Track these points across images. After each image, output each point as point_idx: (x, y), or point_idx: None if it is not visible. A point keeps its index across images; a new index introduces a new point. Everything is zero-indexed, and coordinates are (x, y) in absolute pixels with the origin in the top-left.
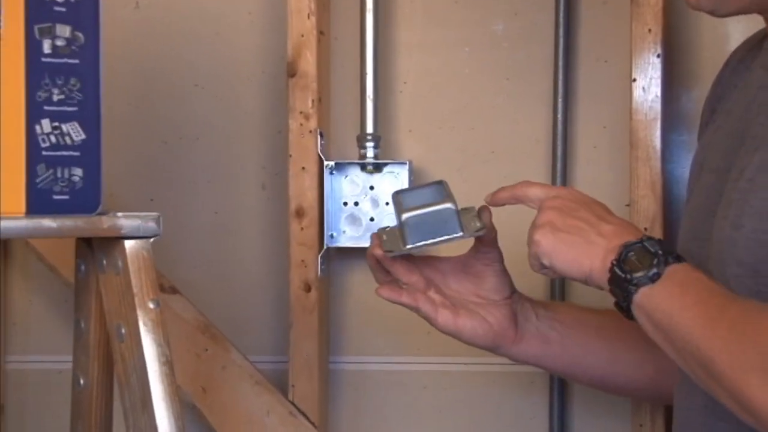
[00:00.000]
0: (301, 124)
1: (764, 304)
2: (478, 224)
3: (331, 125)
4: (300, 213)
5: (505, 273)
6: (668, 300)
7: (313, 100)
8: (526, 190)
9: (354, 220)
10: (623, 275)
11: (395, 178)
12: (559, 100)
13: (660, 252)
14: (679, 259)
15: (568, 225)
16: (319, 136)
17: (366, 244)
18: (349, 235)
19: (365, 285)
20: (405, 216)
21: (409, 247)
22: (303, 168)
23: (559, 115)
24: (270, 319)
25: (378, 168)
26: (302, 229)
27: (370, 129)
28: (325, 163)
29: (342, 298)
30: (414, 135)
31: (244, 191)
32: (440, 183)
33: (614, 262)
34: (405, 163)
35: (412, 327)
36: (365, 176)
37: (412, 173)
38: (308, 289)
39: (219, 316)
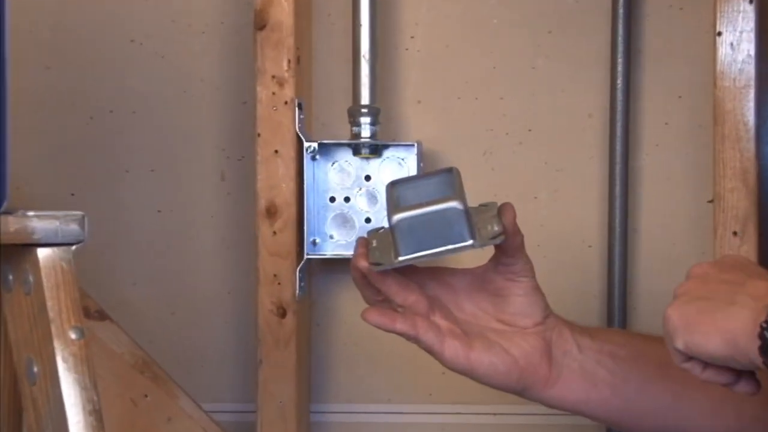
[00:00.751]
0: (274, 93)
1: None
2: (496, 228)
3: (314, 94)
4: (272, 212)
5: (536, 291)
6: None
7: (289, 61)
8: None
9: (344, 221)
10: None
11: (399, 166)
12: (619, 60)
13: None
14: None
15: (708, 290)
16: (297, 109)
17: None
18: (337, 242)
19: (359, 307)
20: (396, 217)
21: (401, 259)
22: (276, 151)
23: (619, 81)
24: (232, 355)
25: (376, 151)
26: (275, 233)
27: (365, 99)
28: (306, 144)
29: (328, 326)
30: (424, 107)
31: (197, 183)
32: (449, 171)
33: (764, 325)
34: (412, 146)
35: (421, 364)
36: (359, 163)
37: (422, 159)
38: (283, 313)
39: (164, 349)
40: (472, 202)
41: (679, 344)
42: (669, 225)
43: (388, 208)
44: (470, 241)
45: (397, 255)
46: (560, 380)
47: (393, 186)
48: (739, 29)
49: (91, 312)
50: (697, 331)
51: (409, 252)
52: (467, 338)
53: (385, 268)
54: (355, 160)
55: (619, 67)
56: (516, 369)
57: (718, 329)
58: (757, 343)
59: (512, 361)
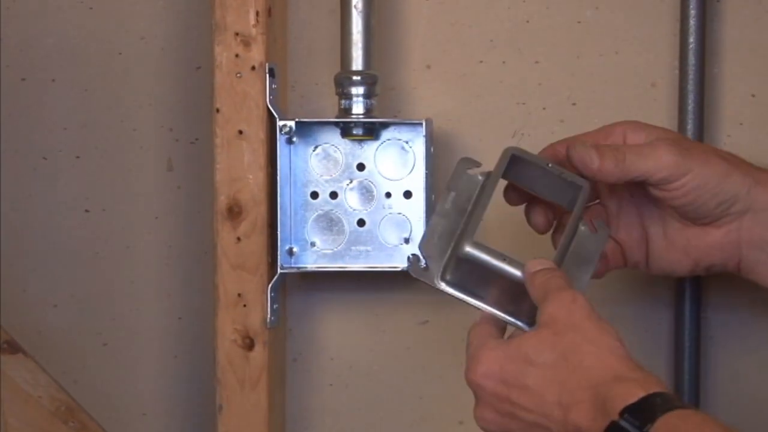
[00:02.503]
0: (237, 56)
1: None
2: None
3: (290, 57)
4: (235, 212)
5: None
6: None
7: (257, 13)
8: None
9: (329, 223)
10: None
11: (402, 151)
12: (692, 12)
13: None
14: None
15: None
16: (268, 77)
17: (352, 264)
18: (320, 251)
19: (347, 337)
20: (467, 251)
21: (443, 288)
22: (240, 132)
23: (691, 40)
24: (183, 399)
25: (372, 132)
26: (239, 240)
27: (358, 64)
28: (279, 123)
29: (308, 362)
30: (436, 74)
31: (136, 174)
32: (579, 189)
33: None
34: (420, 124)
35: (429, 413)
36: (350, 147)
37: (433, 141)
38: (250, 345)
39: (94, 392)
40: None
41: None
42: None
43: (460, 195)
44: (520, 323)
45: (444, 275)
46: None
47: (469, 167)
48: None
49: None
50: None
51: (456, 287)
52: None
53: (425, 280)
54: (345, 144)
55: (692, 21)
56: None
57: None
58: None
59: None
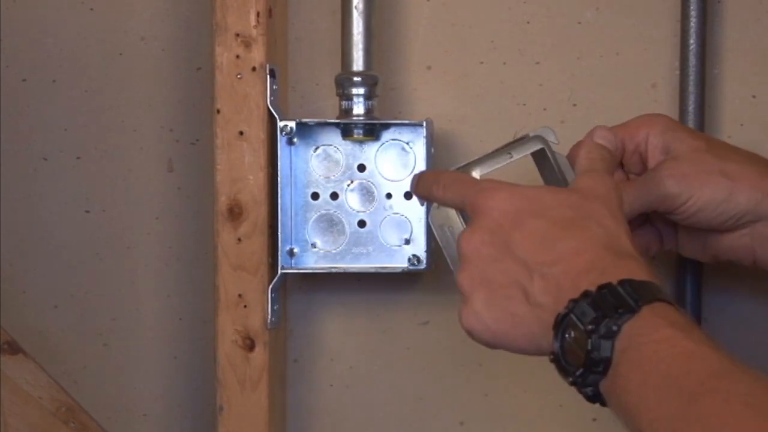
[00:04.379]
0: (238, 57)
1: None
2: None
3: (291, 58)
4: (235, 213)
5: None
6: (629, 398)
7: (258, 14)
8: (439, 192)
9: (330, 224)
10: (568, 378)
11: (403, 152)
12: (692, 13)
13: (591, 326)
14: (638, 308)
15: (494, 285)
16: (268, 78)
17: (352, 265)
18: (321, 252)
19: (348, 337)
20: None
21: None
22: (240, 133)
23: (692, 41)
24: (183, 400)
25: (373, 133)
26: (239, 240)
27: (358, 65)
28: (280, 124)
29: (309, 363)
30: (436, 75)
31: (136, 174)
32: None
33: (552, 358)
34: (420, 125)
35: (430, 414)
36: (350, 148)
37: (433, 142)
38: (250, 345)
39: (94, 393)
40: None
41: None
42: None
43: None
44: None
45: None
46: None
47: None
48: None
49: None
50: (512, 346)
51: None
52: None
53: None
54: (345, 145)
55: (693, 22)
56: None
57: (528, 343)
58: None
59: None
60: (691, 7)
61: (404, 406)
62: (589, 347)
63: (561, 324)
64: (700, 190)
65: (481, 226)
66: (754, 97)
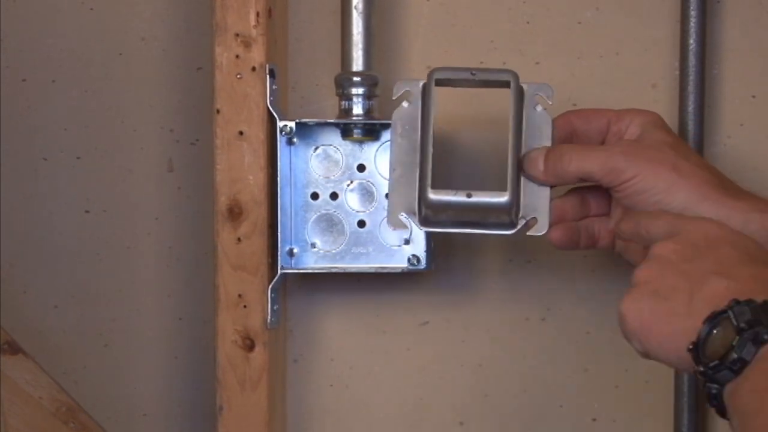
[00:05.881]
0: (238, 57)
1: None
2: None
3: (290, 58)
4: (235, 213)
5: None
6: (750, 400)
7: (257, 14)
8: (648, 224)
9: (330, 224)
10: (699, 367)
11: None
12: (692, 13)
13: (744, 325)
14: None
15: (666, 286)
16: (268, 78)
17: (352, 265)
18: (320, 252)
19: (348, 337)
20: (432, 198)
21: (425, 229)
22: (240, 133)
23: (692, 41)
24: (183, 400)
25: (372, 133)
26: (239, 240)
27: (358, 65)
28: (280, 124)
29: (309, 363)
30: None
31: (137, 174)
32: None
33: (691, 347)
34: None
35: (431, 415)
36: (350, 148)
37: (434, 144)
38: (250, 346)
39: (94, 393)
40: None
41: (637, 347)
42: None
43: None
44: (509, 232)
45: (422, 219)
46: None
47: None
48: None
49: None
50: (652, 339)
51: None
52: None
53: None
54: (345, 145)
55: (692, 22)
56: None
57: (669, 341)
58: (693, 368)
59: None
60: (691, 7)
61: (404, 406)
62: (734, 343)
63: (714, 318)
64: (645, 171)
65: (682, 240)
66: (754, 97)
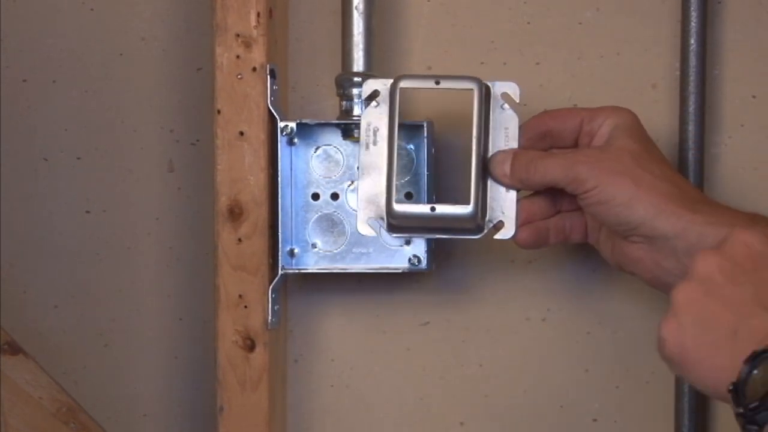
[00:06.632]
0: (238, 57)
1: None
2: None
3: (291, 59)
4: (236, 213)
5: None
6: None
7: (258, 14)
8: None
9: (331, 224)
10: (738, 408)
11: (404, 152)
12: (693, 13)
13: None
14: None
15: (710, 314)
16: (269, 78)
17: (353, 265)
18: (321, 252)
19: (349, 337)
20: (397, 210)
21: (394, 235)
22: (241, 133)
23: (692, 41)
24: (183, 400)
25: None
26: (240, 241)
27: (359, 65)
28: (281, 124)
29: (309, 363)
30: (437, 74)
31: (137, 175)
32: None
33: (731, 387)
34: (421, 125)
35: (432, 414)
36: (351, 148)
37: (434, 143)
38: (251, 346)
39: (95, 393)
40: None
41: (675, 371)
42: None
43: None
44: (476, 236)
45: (390, 226)
46: None
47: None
48: None
49: None
50: (692, 371)
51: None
52: None
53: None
54: (346, 145)
55: (693, 22)
56: None
57: (710, 376)
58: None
59: None
60: (692, 8)
61: (404, 406)
62: None
63: (755, 359)
64: (605, 183)
65: (727, 255)
66: (754, 97)
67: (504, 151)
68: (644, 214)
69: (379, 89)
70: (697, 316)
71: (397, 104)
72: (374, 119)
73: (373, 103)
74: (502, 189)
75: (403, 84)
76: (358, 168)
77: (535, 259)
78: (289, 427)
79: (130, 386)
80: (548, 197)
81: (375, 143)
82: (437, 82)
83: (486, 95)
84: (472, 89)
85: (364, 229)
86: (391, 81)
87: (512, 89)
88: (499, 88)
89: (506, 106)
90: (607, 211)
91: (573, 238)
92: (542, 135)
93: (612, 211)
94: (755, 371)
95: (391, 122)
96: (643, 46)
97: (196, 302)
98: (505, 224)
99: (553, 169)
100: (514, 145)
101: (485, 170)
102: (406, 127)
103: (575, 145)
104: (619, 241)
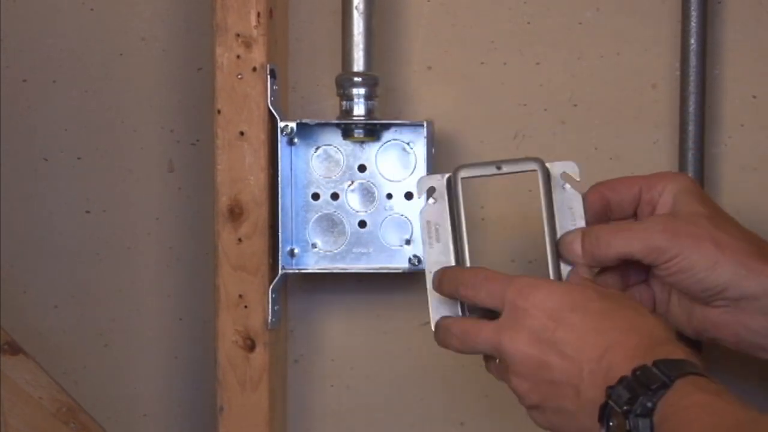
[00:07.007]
0: (238, 57)
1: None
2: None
3: (291, 59)
4: (236, 213)
5: None
6: None
7: (258, 14)
8: (474, 342)
9: (331, 224)
10: None
11: (404, 152)
12: (693, 13)
13: (627, 407)
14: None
15: (544, 398)
16: (269, 78)
17: (353, 265)
18: (322, 252)
19: (350, 337)
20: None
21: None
22: (241, 133)
23: (693, 41)
24: (183, 400)
25: (373, 133)
26: (240, 241)
27: (359, 65)
28: (281, 124)
29: (310, 363)
30: (437, 75)
31: (137, 175)
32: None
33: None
34: (421, 125)
35: (433, 415)
36: (351, 148)
37: (434, 143)
38: (251, 346)
39: (95, 393)
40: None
41: None
42: (756, 229)
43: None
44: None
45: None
46: None
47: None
48: None
49: None
50: None
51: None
52: None
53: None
54: (346, 145)
55: (693, 22)
56: None
57: None
58: None
59: None
60: (692, 7)
61: (404, 406)
62: (628, 427)
63: (604, 414)
64: (687, 250)
65: (525, 327)
66: (754, 97)
67: (571, 232)
68: (731, 277)
69: (434, 185)
70: (539, 399)
71: (460, 195)
72: (434, 216)
73: (430, 200)
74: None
75: (464, 174)
76: (425, 264)
77: (536, 259)
78: (289, 427)
79: (130, 386)
80: (617, 273)
81: (438, 240)
82: (498, 168)
83: (547, 175)
84: (535, 170)
85: None
86: (446, 175)
87: (571, 168)
88: (558, 168)
89: (567, 185)
90: (690, 278)
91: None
92: (603, 209)
93: (695, 278)
94: (611, 423)
95: (456, 216)
96: (643, 46)
97: (196, 302)
98: None
99: (628, 243)
100: (582, 224)
101: (558, 252)
102: (406, 127)
103: (634, 215)
104: (699, 308)
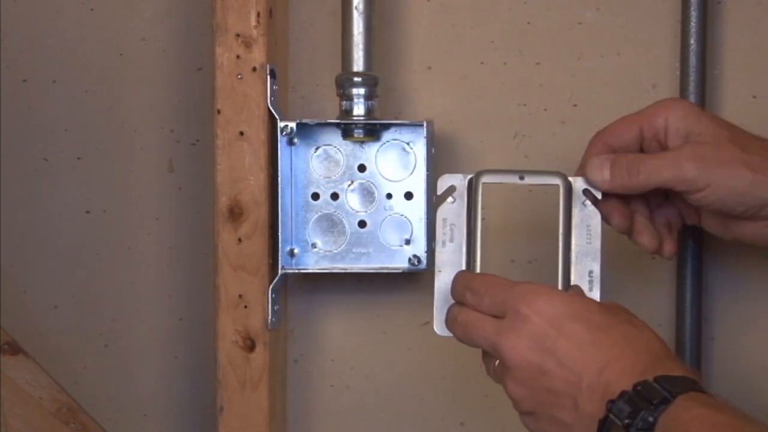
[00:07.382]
0: (238, 57)
1: None
2: None
3: (291, 59)
4: (236, 213)
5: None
6: None
7: (258, 14)
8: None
9: (331, 224)
10: None
11: (404, 152)
12: (693, 13)
13: (628, 421)
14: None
15: (539, 406)
16: (269, 78)
17: (353, 265)
18: (322, 252)
19: (349, 337)
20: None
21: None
22: (241, 133)
23: (692, 41)
24: (183, 400)
25: (373, 133)
26: (240, 241)
27: (358, 65)
28: (281, 124)
29: (310, 363)
30: (437, 76)
31: (137, 175)
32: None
33: None
34: (421, 125)
35: (432, 415)
36: (351, 148)
37: (434, 143)
38: (251, 346)
39: (95, 393)
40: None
41: None
42: None
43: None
44: None
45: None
46: None
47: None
48: None
49: None
50: None
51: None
52: None
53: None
54: (346, 145)
55: (693, 22)
56: None
57: None
58: None
59: None
60: (692, 8)
61: (404, 406)
62: None
63: (604, 427)
64: (720, 178)
65: (525, 332)
66: (754, 97)
67: (600, 157)
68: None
69: (455, 185)
70: (536, 407)
71: (479, 199)
72: (450, 216)
73: (450, 199)
74: (585, 281)
75: (486, 179)
76: (437, 268)
77: (535, 258)
78: (289, 427)
79: (131, 386)
80: (641, 198)
81: (452, 240)
82: (521, 177)
83: (569, 191)
84: (557, 185)
85: (443, 331)
86: (468, 176)
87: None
88: (581, 183)
89: (587, 202)
90: (728, 203)
91: (676, 228)
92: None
93: (733, 203)
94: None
95: (473, 219)
96: (643, 47)
97: (196, 302)
98: None
99: (658, 172)
100: (597, 243)
101: (569, 269)
102: (406, 127)
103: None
104: (735, 222)
